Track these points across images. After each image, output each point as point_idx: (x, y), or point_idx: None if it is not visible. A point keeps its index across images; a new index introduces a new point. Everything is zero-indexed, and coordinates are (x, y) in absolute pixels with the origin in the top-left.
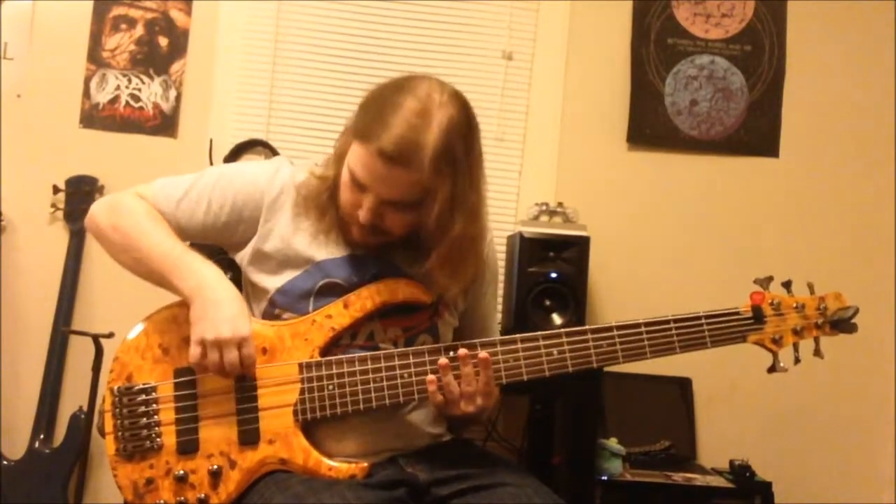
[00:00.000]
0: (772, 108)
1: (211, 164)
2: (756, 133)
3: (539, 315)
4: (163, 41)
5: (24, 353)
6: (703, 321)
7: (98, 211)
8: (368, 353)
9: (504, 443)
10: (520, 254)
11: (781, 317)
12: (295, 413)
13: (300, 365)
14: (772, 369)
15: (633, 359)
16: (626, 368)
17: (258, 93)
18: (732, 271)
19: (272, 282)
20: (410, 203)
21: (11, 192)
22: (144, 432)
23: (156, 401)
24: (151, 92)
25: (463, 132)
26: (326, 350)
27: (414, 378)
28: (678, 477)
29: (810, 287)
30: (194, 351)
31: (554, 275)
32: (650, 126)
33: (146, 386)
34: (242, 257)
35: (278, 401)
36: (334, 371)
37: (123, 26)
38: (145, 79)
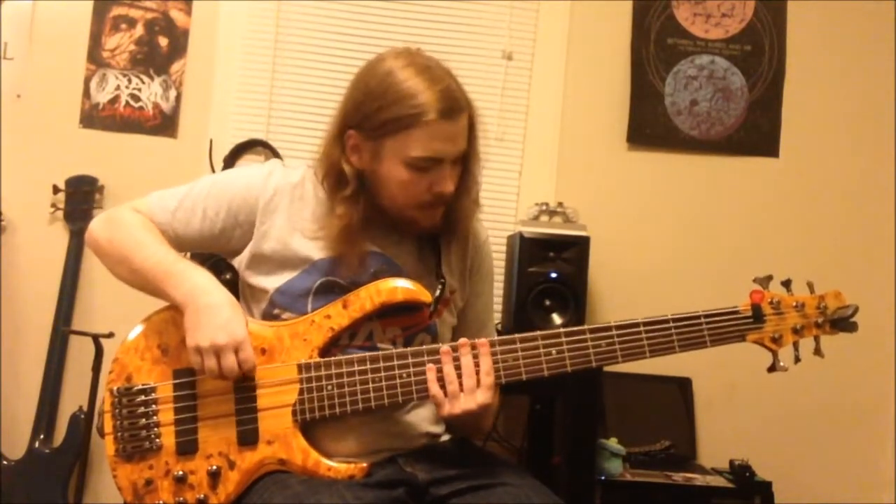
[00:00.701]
0: (772, 108)
1: (211, 164)
2: (756, 133)
3: (539, 315)
4: (163, 41)
5: (24, 353)
6: (703, 320)
7: (95, 227)
8: (367, 354)
9: (504, 443)
10: (520, 254)
11: (781, 316)
12: (294, 413)
13: (299, 365)
14: (772, 368)
15: (631, 358)
16: (626, 368)
17: (258, 93)
18: (732, 271)
19: (271, 282)
20: (470, 147)
21: (11, 192)
22: (144, 433)
23: (155, 401)
24: (151, 92)
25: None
26: (325, 350)
27: (413, 378)
28: (678, 477)
29: (810, 286)
30: (193, 359)
31: (554, 275)
32: (650, 126)
33: (145, 387)
34: (240, 262)
35: (277, 401)
36: (333, 371)
37: (123, 26)
38: (145, 79)
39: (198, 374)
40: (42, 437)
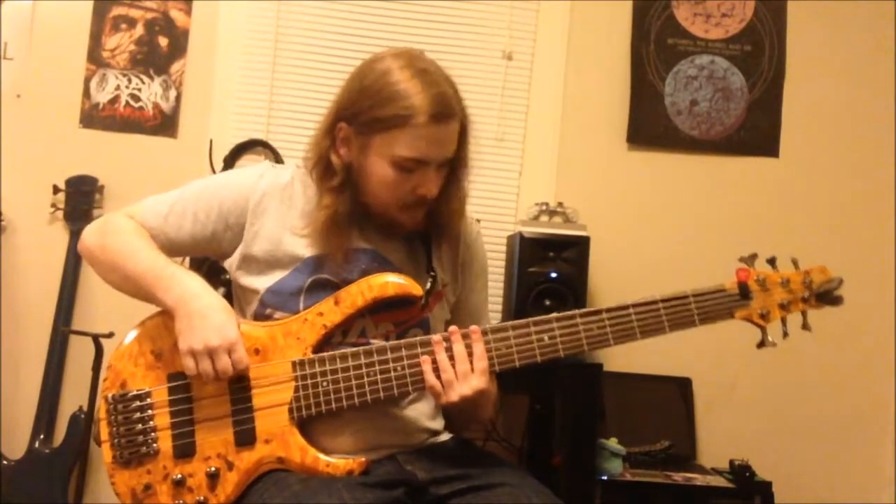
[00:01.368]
0: (772, 108)
1: (211, 164)
2: (756, 133)
3: (539, 315)
4: (163, 41)
5: (24, 353)
6: (691, 300)
7: (88, 234)
8: (361, 348)
9: (504, 443)
10: (520, 254)
11: (767, 292)
12: (290, 411)
13: (293, 363)
14: (761, 344)
15: (623, 341)
16: (626, 368)
17: (258, 93)
18: (732, 271)
19: (262, 282)
20: (458, 153)
21: (11, 192)
22: (140, 438)
23: (150, 406)
24: (151, 92)
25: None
26: (319, 348)
27: (408, 370)
28: (678, 477)
29: (795, 262)
30: (187, 363)
31: (554, 275)
32: (650, 126)
33: (140, 392)
34: (231, 263)
35: (273, 400)
36: (328, 367)
37: (123, 26)
38: (145, 79)
39: (191, 377)
40: (42, 437)
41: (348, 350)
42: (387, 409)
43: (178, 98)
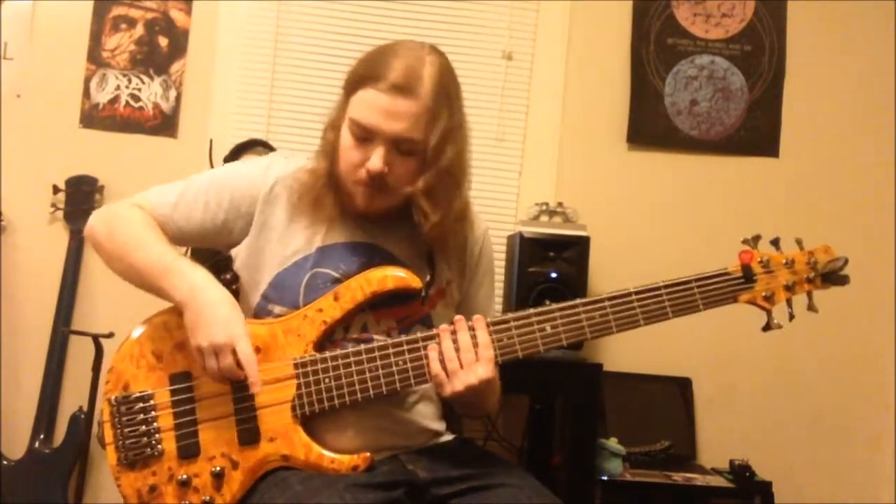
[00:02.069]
0: (772, 108)
1: (211, 164)
2: (756, 133)
3: None
4: (163, 41)
5: (24, 353)
6: (694, 285)
7: (95, 221)
8: (363, 345)
9: (504, 443)
10: (520, 254)
11: (771, 274)
12: (293, 409)
13: (295, 363)
14: (766, 327)
15: (626, 328)
16: (626, 368)
17: (258, 93)
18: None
19: (265, 276)
20: (416, 141)
21: (11, 192)
22: (144, 440)
23: (154, 408)
24: (151, 92)
25: (452, 73)
26: (320, 344)
27: (410, 365)
28: (678, 477)
29: (799, 242)
30: (198, 360)
31: (554, 275)
32: (650, 126)
33: (143, 394)
34: (237, 253)
35: (276, 398)
36: (329, 364)
37: (123, 26)
38: (145, 79)
39: (197, 376)
40: (42, 437)
41: (349, 348)
42: (389, 410)
43: (178, 98)
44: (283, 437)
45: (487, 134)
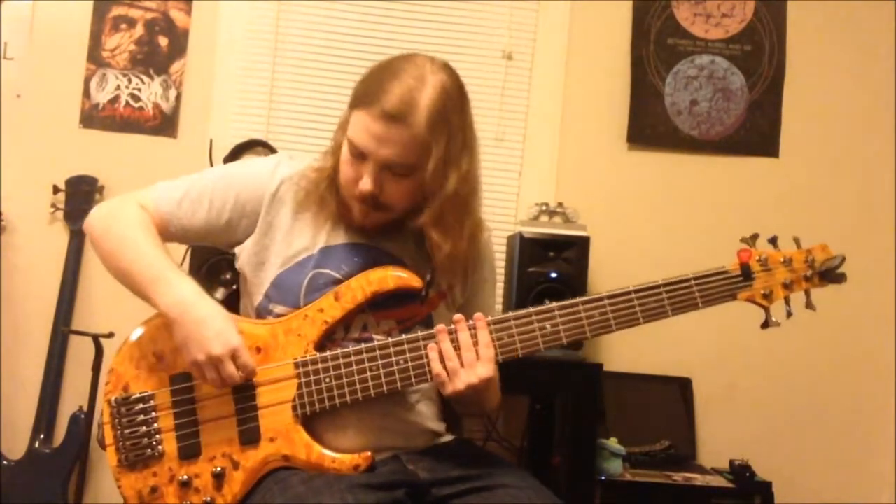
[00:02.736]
0: (772, 108)
1: (211, 164)
2: (756, 133)
3: None
4: (163, 41)
5: (24, 353)
6: (693, 283)
7: (95, 216)
8: (363, 345)
9: (504, 443)
10: (520, 254)
11: (770, 272)
12: (294, 408)
13: (295, 362)
14: (765, 325)
15: (626, 326)
16: (626, 368)
17: (258, 93)
18: None
19: (267, 275)
20: (409, 166)
21: (11, 192)
22: (145, 441)
23: (154, 408)
24: (151, 92)
25: (454, 96)
26: (320, 344)
27: (410, 364)
28: (678, 477)
29: (796, 241)
30: (196, 373)
31: (554, 275)
32: (650, 126)
33: (143, 395)
34: (240, 252)
35: (276, 398)
36: (330, 364)
37: (123, 26)
38: (145, 79)
39: (196, 379)
40: (42, 437)
41: (350, 347)
42: (390, 409)
43: (178, 98)
44: (284, 436)
45: (487, 134)
